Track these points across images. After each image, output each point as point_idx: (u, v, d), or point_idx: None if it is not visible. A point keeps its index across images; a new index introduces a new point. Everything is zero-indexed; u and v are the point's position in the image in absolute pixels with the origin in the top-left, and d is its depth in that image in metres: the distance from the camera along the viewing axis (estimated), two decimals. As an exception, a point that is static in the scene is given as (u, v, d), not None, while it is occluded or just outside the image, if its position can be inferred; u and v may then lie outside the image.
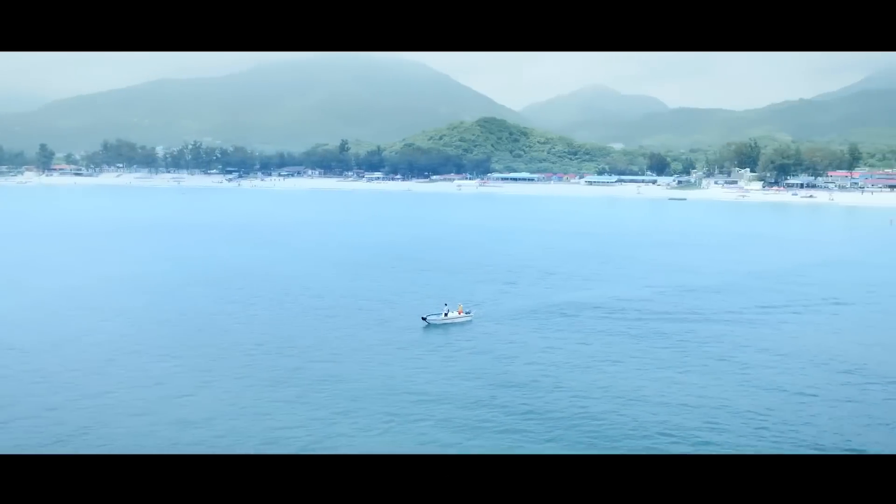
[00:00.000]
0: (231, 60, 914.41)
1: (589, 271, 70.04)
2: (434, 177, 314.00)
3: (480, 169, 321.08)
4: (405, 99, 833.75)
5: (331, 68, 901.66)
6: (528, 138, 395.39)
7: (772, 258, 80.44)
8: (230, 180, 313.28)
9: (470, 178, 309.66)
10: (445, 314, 45.75)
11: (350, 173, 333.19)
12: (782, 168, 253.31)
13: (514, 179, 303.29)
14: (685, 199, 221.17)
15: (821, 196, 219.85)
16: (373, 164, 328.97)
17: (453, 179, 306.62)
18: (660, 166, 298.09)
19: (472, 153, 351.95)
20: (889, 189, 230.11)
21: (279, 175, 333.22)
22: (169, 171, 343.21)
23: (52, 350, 38.91)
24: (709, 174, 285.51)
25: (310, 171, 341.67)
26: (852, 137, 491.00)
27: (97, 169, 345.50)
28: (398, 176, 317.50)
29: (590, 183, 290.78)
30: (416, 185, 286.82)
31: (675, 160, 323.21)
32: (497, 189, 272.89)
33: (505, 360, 37.77)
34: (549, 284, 61.96)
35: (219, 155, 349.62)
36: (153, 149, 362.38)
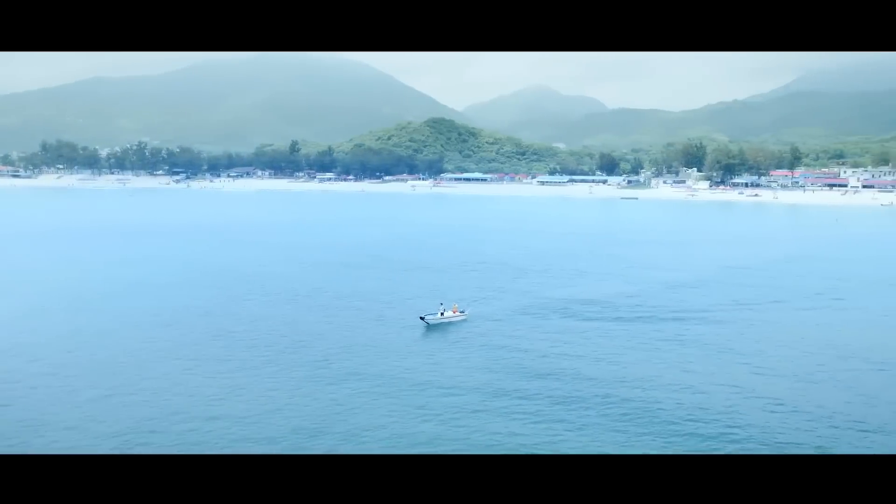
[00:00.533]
0: (167, 58, 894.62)
1: (567, 269, 71.35)
2: (387, 177, 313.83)
3: (433, 169, 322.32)
4: (349, 99, 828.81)
5: (271, 67, 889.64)
6: (476, 139, 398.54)
7: (741, 255, 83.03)
8: (178, 181, 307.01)
9: (423, 179, 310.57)
10: (441, 314, 46.10)
11: (301, 174, 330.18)
12: (728, 168, 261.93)
13: (468, 179, 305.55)
14: (637, 199, 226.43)
15: (765, 195, 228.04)
16: (324, 164, 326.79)
17: (406, 180, 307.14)
18: (609, 166, 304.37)
19: (422, 153, 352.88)
20: (828, 188, 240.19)
21: (228, 176, 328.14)
22: (113, 173, 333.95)
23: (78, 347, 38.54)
24: (658, 174, 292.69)
25: (259, 172, 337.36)
26: (785, 137, 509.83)
27: (36, 170, 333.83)
28: (350, 177, 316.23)
29: (542, 183, 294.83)
30: (369, 186, 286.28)
31: (621, 160, 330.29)
32: (451, 189, 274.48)
33: (520, 353, 38.64)
34: (530, 282, 62.91)
35: (165, 155, 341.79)
36: (95, 149, 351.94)
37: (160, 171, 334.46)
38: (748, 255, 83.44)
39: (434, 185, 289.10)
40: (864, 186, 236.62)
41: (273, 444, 25.90)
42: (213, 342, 40.45)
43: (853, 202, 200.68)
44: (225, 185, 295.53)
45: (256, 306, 51.17)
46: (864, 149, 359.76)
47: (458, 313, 46.91)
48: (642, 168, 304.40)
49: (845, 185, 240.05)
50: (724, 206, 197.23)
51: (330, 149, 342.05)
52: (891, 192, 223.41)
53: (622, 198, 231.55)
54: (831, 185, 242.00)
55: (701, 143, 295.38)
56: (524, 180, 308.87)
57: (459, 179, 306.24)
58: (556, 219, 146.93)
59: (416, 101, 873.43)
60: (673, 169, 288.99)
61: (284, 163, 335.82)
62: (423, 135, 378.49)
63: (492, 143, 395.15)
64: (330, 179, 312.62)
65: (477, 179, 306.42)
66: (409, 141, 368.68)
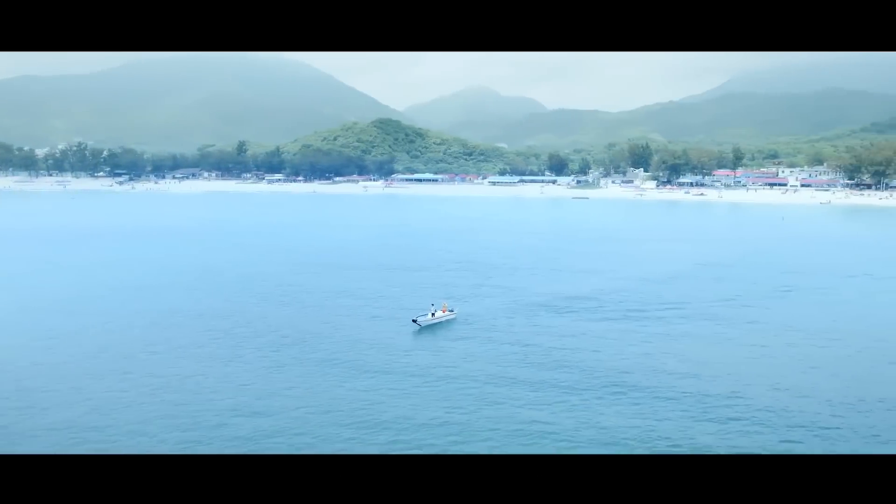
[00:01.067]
0: (99, 57, 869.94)
1: (541, 267, 73.02)
2: (337, 178, 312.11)
3: (383, 170, 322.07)
4: (289, 99, 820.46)
5: (208, 66, 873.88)
6: (423, 139, 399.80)
7: (713, 252, 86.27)
8: (121, 183, 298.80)
9: (374, 180, 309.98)
10: (433, 314, 46.05)
11: (248, 175, 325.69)
12: (673, 168, 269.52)
13: (419, 180, 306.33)
14: (588, 199, 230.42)
15: (711, 194, 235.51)
16: (273, 165, 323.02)
17: (357, 181, 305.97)
18: (558, 167, 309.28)
19: (371, 154, 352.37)
20: (769, 187, 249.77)
21: (174, 177, 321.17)
22: (51, 174, 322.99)
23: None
24: (606, 174, 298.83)
25: (206, 174, 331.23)
26: (719, 137, 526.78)
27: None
28: (300, 178, 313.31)
29: (493, 183, 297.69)
30: (320, 187, 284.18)
31: (568, 160, 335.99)
32: (403, 190, 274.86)
33: (529, 347, 40.01)
34: (510, 280, 64.03)
35: (106, 156, 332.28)
36: (32, 150, 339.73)
37: (101, 173, 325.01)
38: (720, 251, 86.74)
39: (386, 186, 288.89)
40: (802, 185, 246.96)
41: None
42: (238, 343, 40.68)
43: (793, 201, 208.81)
44: (171, 186, 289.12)
45: (258, 307, 51.38)
46: (796, 149, 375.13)
47: (447, 312, 47.01)
48: (590, 168, 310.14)
49: (785, 185, 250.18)
50: (674, 204, 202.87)
51: (278, 149, 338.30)
52: (827, 190, 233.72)
53: (573, 197, 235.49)
54: (772, 185, 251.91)
55: (647, 144, 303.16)
56: (475, 181, 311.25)
57: (411, 180, 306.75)
58: (516, 218, 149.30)
59: (358, 101, 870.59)
60: (621, 169, 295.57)
61: (231, 164, 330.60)
62: (370, 135, 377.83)
63: (439, 144, 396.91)
64: (279, 180, 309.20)
65: (428, 180, 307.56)
66: (357, 142, 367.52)
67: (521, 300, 53.87)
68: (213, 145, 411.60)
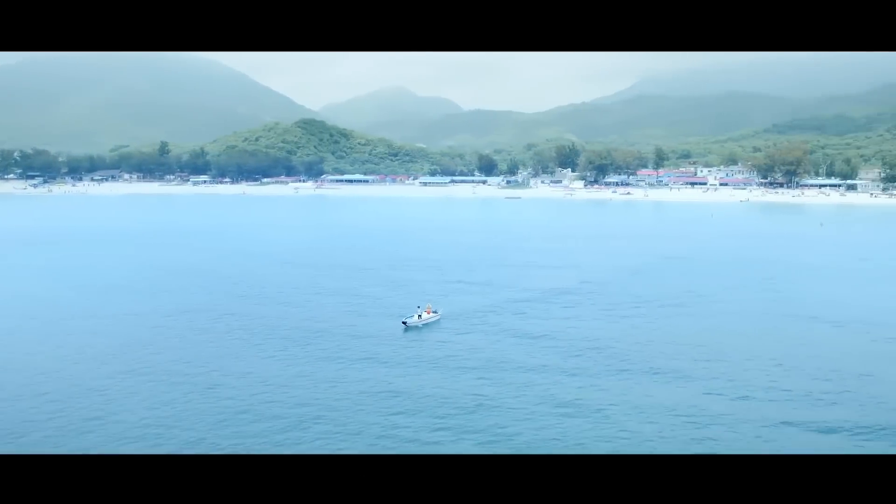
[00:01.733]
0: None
1: (506, 264, 75.82)
2: (265, 179, 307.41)
3: (313, 171, 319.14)
4: (200, 98, 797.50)
5: (113, 64, 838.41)
6: (348, 140, 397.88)
7: (663, 247, 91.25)
8: (35, 186, 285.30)
9: (303, 181, 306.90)
10: (419, 316, 46.54)
11: (172, 177, 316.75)
12: (600, 168, 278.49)
13: (350, 181, 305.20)
14: (520, 198, 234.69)
15: (637, 193, 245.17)
16: (197, 167, 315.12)
17: (287, 182, 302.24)
18: (488, 167, 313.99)
19: (296, 155, 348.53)
20: (690, 186, 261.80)
21: (92, 180, 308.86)
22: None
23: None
24: (535, 174, 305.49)
25: (126, 175, 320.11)
26: (631, 138, 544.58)
27: None
28: (227, 179, 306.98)
29: (424, 184, 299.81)
30: (249, 189, 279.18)
31: (496, 161, 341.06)
32: (335, 191, 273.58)
33: (546, 339, 42.70)
34: (476, 279, 65.90)
35: (18, 158, 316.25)
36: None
37: (11, 175, 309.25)
38: (674, 246, 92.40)
39: (317, 187, 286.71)
40: (721, 184, 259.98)
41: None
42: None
43: (715, 199, 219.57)
44: (90, 189, 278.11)
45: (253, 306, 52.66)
46: (707, 149, 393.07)
47: (431, 314, 47.50)
48: (518, 169, 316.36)
49: (705, 184, 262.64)
50: (604, 203, 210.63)
51: (202, 150, 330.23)
52: (744, 189, 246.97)
53: (506, 197, 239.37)
54: (692, 184, 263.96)
55: (573, 145, 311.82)
56: (406, 181, 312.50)
57: (341, 181, 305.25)
58: (459, 218, 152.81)
59: (272, 100, 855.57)
60: (549, 169, 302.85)
61: (154, 165, 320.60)
62: (295, 136, 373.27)
63: (363, 145, 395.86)
64: (205, 182, 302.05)
65: (359, 181, 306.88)
66: (282, 143, 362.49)
67: (503, 297, 55.73)
68: (126, 146, 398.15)
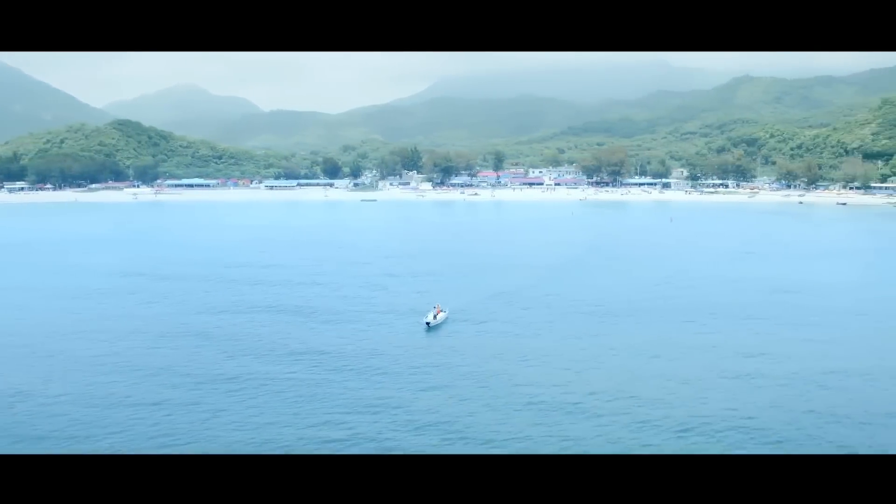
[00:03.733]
0: None
1: (498, 267, 77.35)
2: (93, 185, 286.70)
3: (147, 176, 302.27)
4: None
5: None
6: (168, 142, 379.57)
7: (578, 241, 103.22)
8: None
9: (137, 186, 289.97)
10: (434, 316, 47.10)
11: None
12: (446, 170, 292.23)
13: (190, 186, 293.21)
14: (376, 200, 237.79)
15: (484, 193, 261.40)
16: (11, 172, 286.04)
17: (120, 187, 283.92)
18: (332, 170, 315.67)
19: (115, 158, 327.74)
20: (528, 186, 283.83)
21: None
22: None
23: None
24: (382, 176, 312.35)
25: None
26: (436, 140, 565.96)
27: None
28: (48, 185, 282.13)
29: (270, 188, 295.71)
30: (80, 195, 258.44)
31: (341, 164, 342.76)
32: (177, 196, 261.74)
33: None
34: (416, 282, 66.96)
35: None
36: None
37: None
38: (571, 245, 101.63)
39: (157, 193, 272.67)
40: (556, 185, 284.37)
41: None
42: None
43: (555, 198, 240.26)
44: None
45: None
46: (517, 150, 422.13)
47: (441, 314, 47.92)
48: (361, 171, 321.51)
49: (542, 184, 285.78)
50: (455, 203, 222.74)
51: (16, 155, 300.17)
52: (576, 188, 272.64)
53: (362, 200, 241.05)
54: (531, 184, 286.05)
55: (415, 148, 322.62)
56: (250, 185, 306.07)
57: (181, 185, 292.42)
58: (335, 223, 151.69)
59: (52, 97, 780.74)
60: (396, 171, 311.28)
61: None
62: (112, 138, 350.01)
63: (186, 147, 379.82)
64: (23, 189, 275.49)
65: (200, 185, 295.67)
66: (99, 145, 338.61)
67: (477, 300, 56.84)
68: None
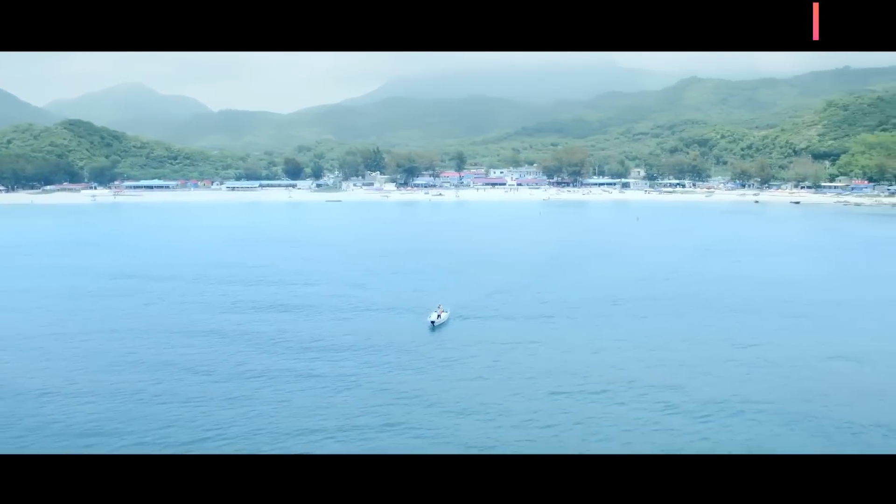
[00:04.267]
0: None
1: (498, 265, 78.68)
2: (47, 187, 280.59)
3: (104, 177, 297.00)
4: None
5: None
6: (121, 143, 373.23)
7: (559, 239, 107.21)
8: None
9: (94, 187, 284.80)
10: (438, 315, 47.86)
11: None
12: (409, 170, 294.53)
13: (150, 187, 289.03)
14: (341, 201, 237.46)
15: (448, 194, 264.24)
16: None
17: (77, 189, 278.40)
18: (294, 171, 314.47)
19: (66, 159, 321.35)
20: (490, 186, 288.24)
21: None
22: None
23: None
24: (346, 177, 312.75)
25: None
26: (390, 140, 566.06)
27: None
28: (1, 187, 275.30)
29: (231, 189, 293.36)
30: (34, 197, 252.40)
31: (304, 164, 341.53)
32: (137, 198, 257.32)
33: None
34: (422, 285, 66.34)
35: None
36: None
37: None
38: (551, 243, 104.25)
39: (116, 194, 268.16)
40: (518, 185, 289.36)
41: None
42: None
43: (519, 198, 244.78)
44: None
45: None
46: (472, 150, 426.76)
47: (443, 314, 48.60)
48: (323, 172, 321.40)
49: (504, 184, 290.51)
50: (420, 203, 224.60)
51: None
52: (537, 188, 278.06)
53: (327, 200, 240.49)
54: (493, 184, 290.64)
55: (378, 149, 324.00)
56: (210, 186, 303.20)
57: (140, 187, 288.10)
58: (306, 223, 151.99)
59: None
60: (359, 172, 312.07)
61: None
62: (63, 138, 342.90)
63: (140, 147, 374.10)
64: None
65: (160, 186, 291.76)
66: (51, 146, 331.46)
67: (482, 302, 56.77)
68: None
